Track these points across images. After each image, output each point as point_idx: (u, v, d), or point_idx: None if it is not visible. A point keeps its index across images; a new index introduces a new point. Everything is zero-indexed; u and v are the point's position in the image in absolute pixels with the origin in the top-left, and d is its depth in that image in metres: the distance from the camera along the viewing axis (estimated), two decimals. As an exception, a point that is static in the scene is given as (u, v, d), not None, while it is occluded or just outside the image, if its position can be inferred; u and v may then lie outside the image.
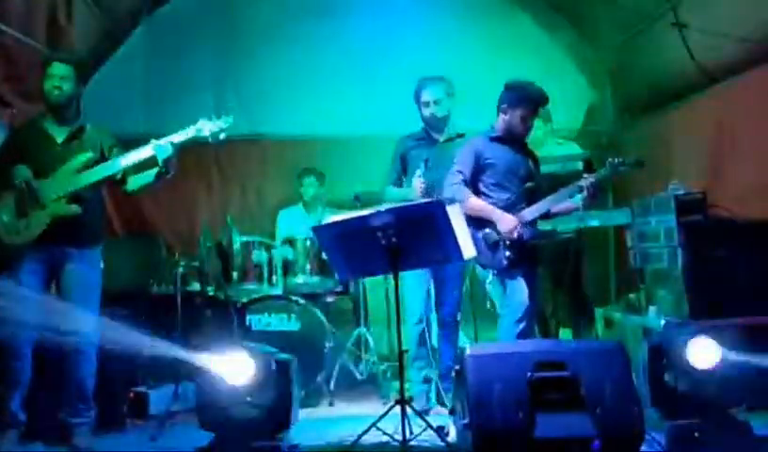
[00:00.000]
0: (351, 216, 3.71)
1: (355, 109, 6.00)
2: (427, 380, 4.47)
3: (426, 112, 4.54)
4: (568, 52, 6.41)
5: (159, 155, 3.71)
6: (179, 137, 3.76)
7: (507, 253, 4.01)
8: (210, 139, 3.80)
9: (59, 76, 3.76)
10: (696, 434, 3.29)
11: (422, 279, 4.46)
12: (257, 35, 6.21)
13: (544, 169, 4.49)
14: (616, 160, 4.00)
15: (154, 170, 3.82)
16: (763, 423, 3.50)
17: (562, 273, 5.06)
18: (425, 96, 4.53)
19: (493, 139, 4.21)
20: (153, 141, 3.73)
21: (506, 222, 4.03)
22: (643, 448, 3.14)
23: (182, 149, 3.82)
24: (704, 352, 3.34)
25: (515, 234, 4.00)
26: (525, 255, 4.07)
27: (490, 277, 4.11)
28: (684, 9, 4.88)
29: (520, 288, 4.02)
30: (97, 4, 5.41)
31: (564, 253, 5.02)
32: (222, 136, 3.82)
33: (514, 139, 4.20)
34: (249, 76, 6.25)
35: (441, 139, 4.56)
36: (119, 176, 3.83)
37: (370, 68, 5.96)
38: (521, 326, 3.98)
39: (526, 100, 4.11)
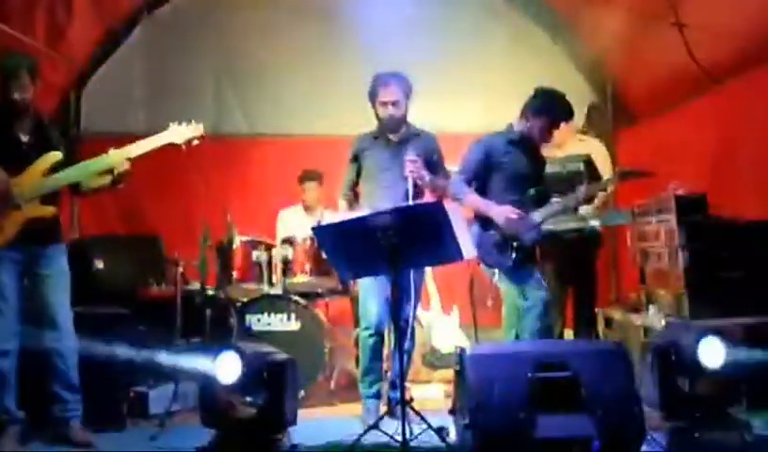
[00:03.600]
0: (351, 216, 3.70)
1: (355, 108, 5.99)
2: (379, 395, 4.29)
3: (384, 112, 4.28)
4: (568, 52, 6.41)
5: (116, 167, 3.79)
6: (146, 145, 3.84)
7: (513, 254, 4.05)
8: (183, 147, 3.87)
9: (19, 87, 3.73)
10: (696, 434, 3.29)
11: (381, 286, 4.17)
12: (256, 34, 6.21)
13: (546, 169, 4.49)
14: (621, 170, 4.07)
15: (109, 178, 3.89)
16: (763, 423, 3.50)
17: (567, 273, 5.07)
18: (383, 96, 4.28)
19: (510, 142, 4.21)
20: (112, 151, 3.81)
21: (501, 213, 4.05)
22: (643, 448, 3.14)
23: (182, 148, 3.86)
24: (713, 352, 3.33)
25: (512, 224, 4.02)
26: (530, 255, 4.12)
27: (497, 275, 4.14)
28: (684, 9, 4.88)
29: (537, 284, 4.07)
30: (97, 3, 5.42)
31: (569, 253, 5.01)
32: (195, 143, 3.89)
33: (531, 146, 4.23)
34: (249, 76, 6.25)
35: (396, 140, 4.34)
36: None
37: (370, 67, 5.96)
38: (545, 320, 4.02)
39: (550, 112, 4.13)
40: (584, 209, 4.82)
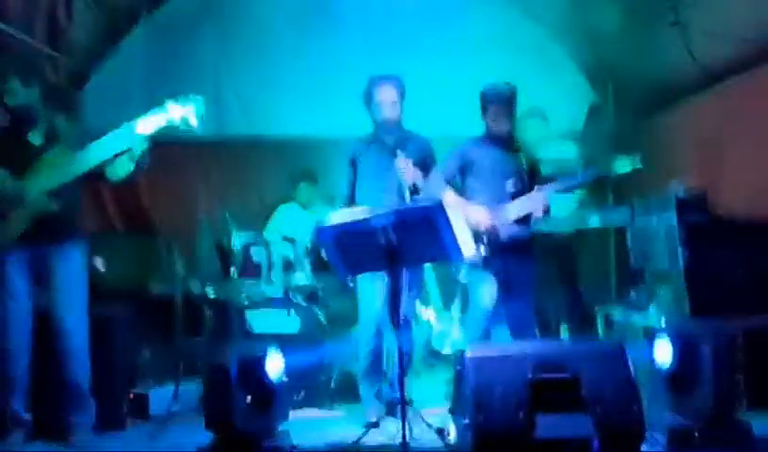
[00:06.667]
0: (352, 215, 3.70)
1: (355, 108, 6.00)
2: (379, 396, 4.28)
3: (380, 114, 4.27)
4: (568, 52, 6.41)
5: (135, 148, 3.65)
6: (149, 123, 3.64)
7: (482, 248, 4.10)
8: (180, 127, 3.67)
9: (8, 92, 3.68)
10: (696, 434, 3.29)
11: (380, 285, 4.17)
12: (256, 35, 6.21)
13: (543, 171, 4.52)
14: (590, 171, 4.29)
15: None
16: (763, 423, 3.50)
17: (560, 272, 5.11)
18: (379, 97, 4.27)
19: (480, 141, 4.31)
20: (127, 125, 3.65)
21: (476, 214, 4.12)
22: (643, 448, 3.14)
23: (181, 148, 3.82)
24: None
25: (486, 225, 4.09)
26: (505, 252, 4.14)
27: (464, 270, 4.19)
28: (684, 9, 4.88)
29: (487, 288, 4.11)
30: (97, 3, 5.41)
31: (561, 253, 5.06)
32: (195, 122, 3.68)
33: (501, 140, 4.28)
34: (249, 76, 6.25)
35: (391, 143, 4.29)
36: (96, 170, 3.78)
37: (370, 68, 5.95)
38: (480, 324, 4.11)
39: (487, 100, 4.25)
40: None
